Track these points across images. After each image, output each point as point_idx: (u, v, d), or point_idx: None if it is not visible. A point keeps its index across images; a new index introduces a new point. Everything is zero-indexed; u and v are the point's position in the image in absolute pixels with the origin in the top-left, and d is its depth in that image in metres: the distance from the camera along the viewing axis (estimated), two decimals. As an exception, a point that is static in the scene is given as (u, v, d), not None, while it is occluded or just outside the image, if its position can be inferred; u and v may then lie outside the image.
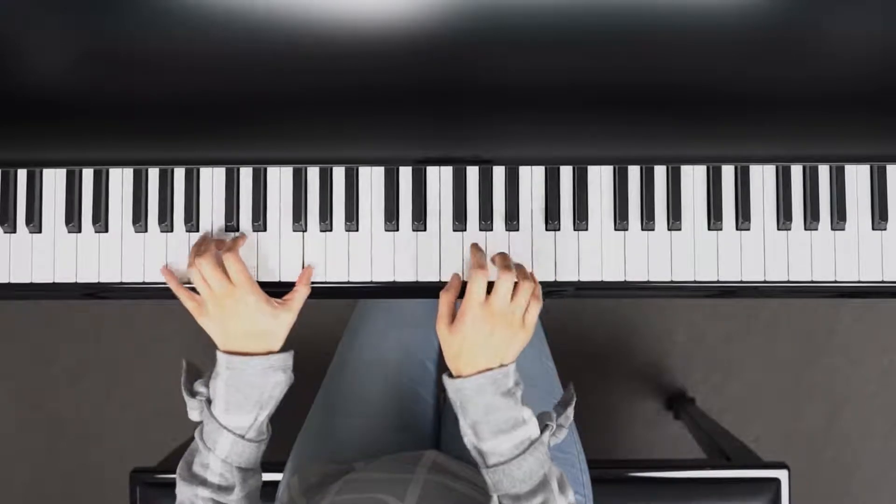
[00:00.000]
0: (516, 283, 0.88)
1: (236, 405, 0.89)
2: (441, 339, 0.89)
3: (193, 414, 0.92)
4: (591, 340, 1.89)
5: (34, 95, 0.94)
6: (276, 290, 0.98)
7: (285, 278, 1.00)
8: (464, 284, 0.93)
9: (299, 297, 0.95)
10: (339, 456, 1.09)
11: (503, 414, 0.85)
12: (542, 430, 0.86)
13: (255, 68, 0.92)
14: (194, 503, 0.89)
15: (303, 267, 1.00)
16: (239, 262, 0.91)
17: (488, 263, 0.96)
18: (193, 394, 0.92)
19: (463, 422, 0.86)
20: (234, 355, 0.90)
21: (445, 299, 0.90)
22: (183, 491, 0.90)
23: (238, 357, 0.90)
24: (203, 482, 0.89)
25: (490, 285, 0.88)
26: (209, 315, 0.92)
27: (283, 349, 0.93)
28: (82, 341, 1.93)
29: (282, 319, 0.92)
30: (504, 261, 0.91)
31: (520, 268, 0.92)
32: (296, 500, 1.00)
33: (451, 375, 0.88)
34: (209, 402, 0.91)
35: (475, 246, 0.98)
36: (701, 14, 0.89)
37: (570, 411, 0.90)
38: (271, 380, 0.91)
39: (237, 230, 1.00)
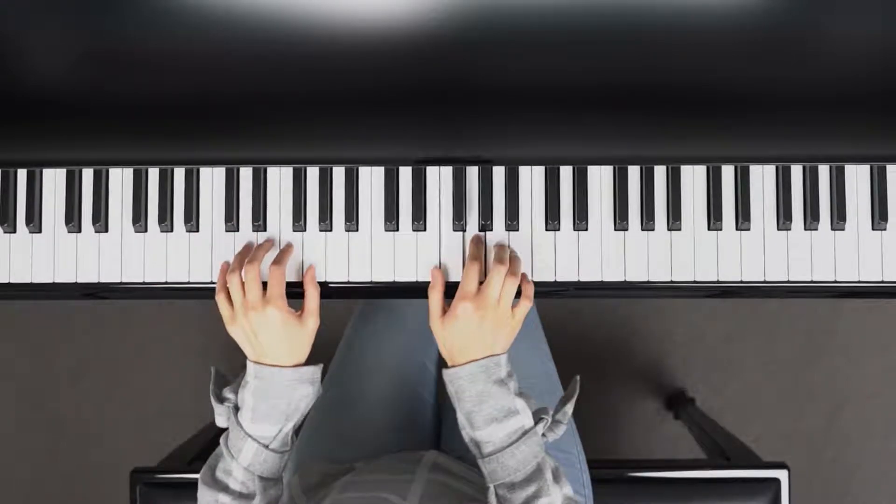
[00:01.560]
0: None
1: (263, 415, 0.90)
2: (435, 334, 0.92)
3: (220, 420, 0.93)
4: (591, 341, 1.89)
5: (34, 95, 0.94)
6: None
7: (286, 279, 0.99)
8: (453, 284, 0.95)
9: (314, 299, 0.96)
10: (340, 456, 1.10)
11: (496, 402, 0.87)
12: (537, 423, 0.89)
13: (254, 68, 0.92)
14: None
15: (303, 267, 1.00)
16: (281, 279, 0.92)
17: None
18: (222, 400, 0.93)
19: (459, 414, 0.89)
20: (263, 366, 0.91)
21: (434, 297, 0.94)
22: (204, 495, 0.91)
23: (267, 368, 0.91)
24: (224, 488, 0.90)
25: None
26: (239, 325, 0.92)
27: (312, 362, 0.94)
28: (82, 341, 1.93)
29: (308, 326, 0.93)
30: (500, 253, 0.94)
31: (513, 262, 0.95)
32: (296, 499, 1.00)
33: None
34: (236, 409, 0.92)
35: (476, 238, 0.99)
36: (701, 14, 0.89)
37: (570, 407, 0.91)
38: (299, 392, 0.91)
39: (237, 230, 1.00)
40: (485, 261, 0.98)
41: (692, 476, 1.23)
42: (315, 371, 0.93)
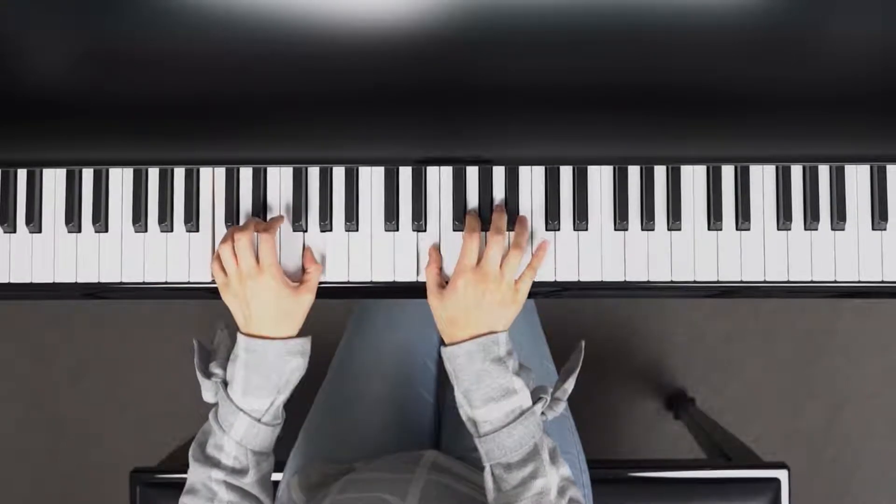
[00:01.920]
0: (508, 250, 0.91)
1: (255, 388, 0.90)
2: (433, 310, 0.91)
3: (208, 395, 0.92)
4: (591, 340, 1.89)
5: (34, 95, 0.94)
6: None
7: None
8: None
9: (314, 276, 0.96)
10: (340, 456, 1.10)
11: (494, 381, 0.86)
12: (535, 402, 0.88)
13: (254, 68, 0.92)
14: (208, 485, 0.89)
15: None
16: (271, 245, 0.92)
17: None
18: (208, 375, 0.92)
19: (457, 391, 0.88)
20: (253, 338, 0.91)
21: (430, 272, 0.94)
22: (196, 473, 0.90)
23: (258, 340, 0.91)
24: (217, 464, 0.89)
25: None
26: (233, 292, 0.92)
27: (302, 334, 0.94)
28: (82, 341, 1.93)
29: (303, 300, 0.93)
30: (498, 222, 0.94)
31: (520, 231, 0.94)
32: (296, 499, 1.00)
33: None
34: (225, 384, 0.92)
35: (473, 212, 0.98)
36: (701, 14, 0.89)
37: (570, 384, 0.90)
38: (290, 364, 0.91)
39: (237, 230, 1.01)
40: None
41: (692, 476, 1.23)
42: (304, 342, 0.93)
